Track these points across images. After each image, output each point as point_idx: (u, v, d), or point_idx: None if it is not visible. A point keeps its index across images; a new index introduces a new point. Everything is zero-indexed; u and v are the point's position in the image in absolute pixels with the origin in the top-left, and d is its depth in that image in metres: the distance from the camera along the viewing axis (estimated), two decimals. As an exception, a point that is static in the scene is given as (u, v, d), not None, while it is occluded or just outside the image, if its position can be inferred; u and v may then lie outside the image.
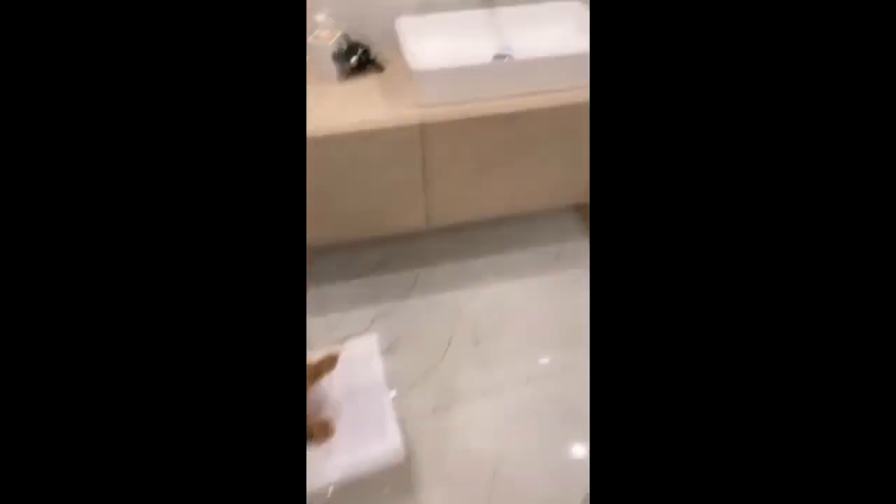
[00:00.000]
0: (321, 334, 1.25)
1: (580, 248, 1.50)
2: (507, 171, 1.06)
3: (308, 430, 0.76)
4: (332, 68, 1.02)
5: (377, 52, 1.06)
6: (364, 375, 0.78)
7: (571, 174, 1.11)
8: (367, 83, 1.03)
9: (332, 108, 0.95)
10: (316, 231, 0.98)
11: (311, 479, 0.70)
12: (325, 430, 0.78)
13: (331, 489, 0.80)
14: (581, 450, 1.07)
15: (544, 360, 1.22)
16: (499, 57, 1.06)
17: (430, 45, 1.07)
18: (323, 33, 1.00)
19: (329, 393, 0.80)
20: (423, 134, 0.95)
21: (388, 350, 1.24)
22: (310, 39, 0.99)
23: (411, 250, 1.49)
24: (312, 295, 1.35)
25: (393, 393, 0.77)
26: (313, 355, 0.91)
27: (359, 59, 1.02)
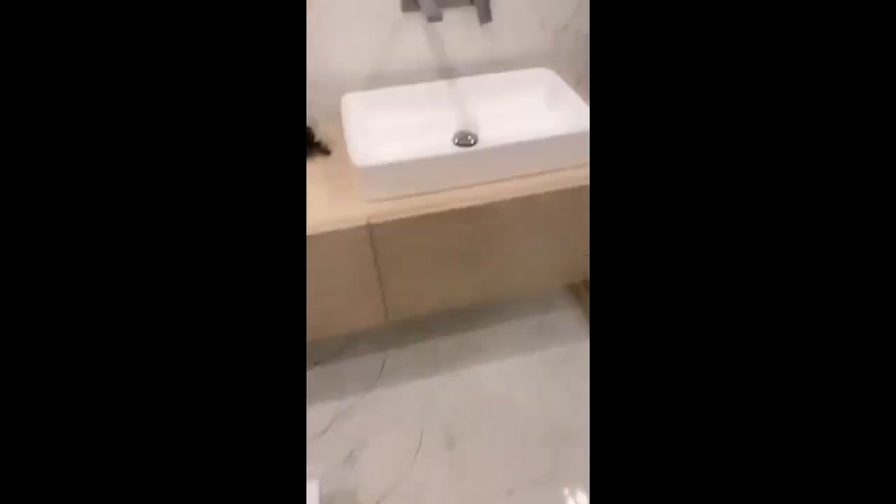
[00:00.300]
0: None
1: (566, 320, 1.37)
2: (473, 264, 0.93)
3: None
4: (270, 154, 0.90)
5: (322, 132, 0.94)
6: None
7: (550, 260, 0.99)
8: (310, 170, 0.90)
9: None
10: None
11: None
12: None
13: None
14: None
15: (528, 464, 1.08)
16: (461, 135, 0.94)
17: (381, 122, 0.94)
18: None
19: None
20: (372, 234, 0.82)
21: (349, 458, 1.10)
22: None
23: (378, 329, 1.35)
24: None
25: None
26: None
27: (300, 144, 0.90)
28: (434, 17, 0.76)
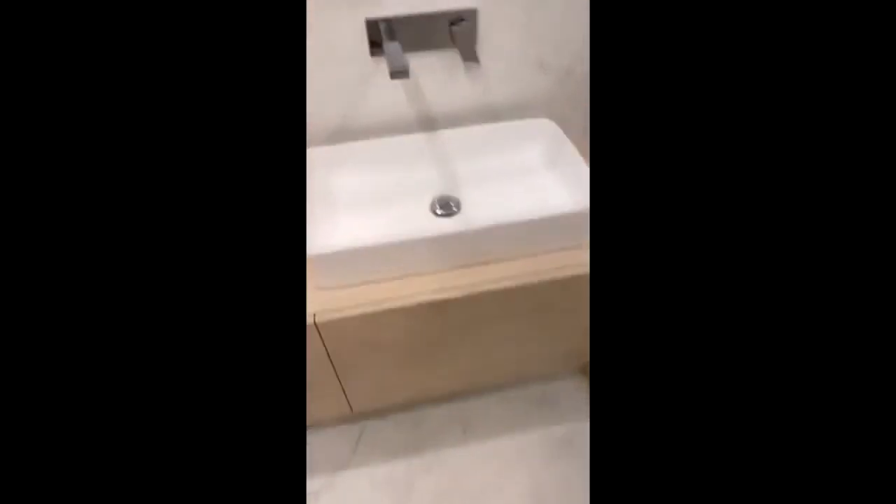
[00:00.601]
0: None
1: (569, 391, 1.20)
2: (448, 357, 0.78)
3: None
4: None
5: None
6: None
7: (542, 348, 0.83)
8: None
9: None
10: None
11: None
12: None
13: None
14: None
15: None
16: (442, 200, 0.79)
17: (347, 184, 0.80)
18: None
19: None
20: (321, 332, 0.67)
21: (311, 560, 0.96)
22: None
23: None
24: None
25: None
26: None
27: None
28: (398, 73, 0.61)
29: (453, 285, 0.68)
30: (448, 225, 0.73)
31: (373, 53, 0.76)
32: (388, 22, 0.72)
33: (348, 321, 0.66)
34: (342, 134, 0.84)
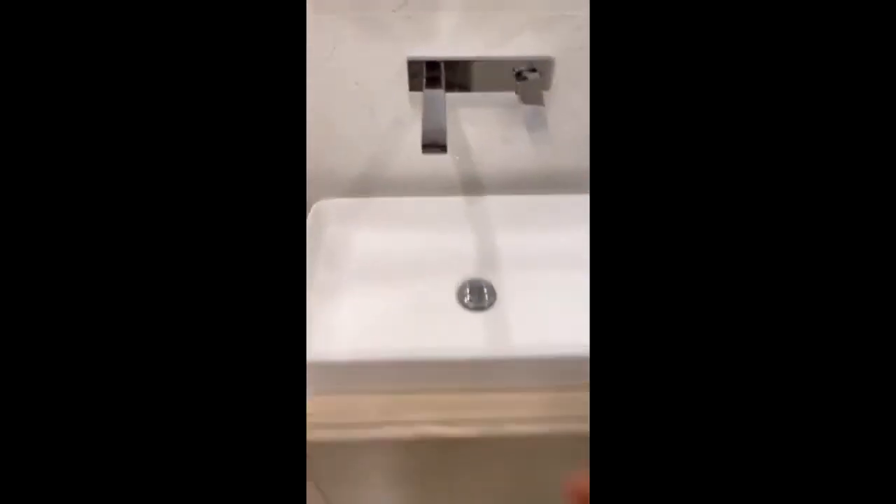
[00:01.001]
0: None
1: None
2: (453, 485, 0.63)
3: None
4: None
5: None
6: None
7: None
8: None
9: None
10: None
11: None
12: None
13: None
14: None
15: None
16: (474, 287, 0.63)
17: (362, 247, 0.66)
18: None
19: None
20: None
21: None
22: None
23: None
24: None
25: None
26: None
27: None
28: (432, 146, 0.45)
29: (465, 417, 0.52)
30: (475, 336, 0.58)
31: (412, 87, 0.60)
32: (436, 64, 0.56)
33: (329, 445, 0.52)
34: (367, 187, 0.69)
